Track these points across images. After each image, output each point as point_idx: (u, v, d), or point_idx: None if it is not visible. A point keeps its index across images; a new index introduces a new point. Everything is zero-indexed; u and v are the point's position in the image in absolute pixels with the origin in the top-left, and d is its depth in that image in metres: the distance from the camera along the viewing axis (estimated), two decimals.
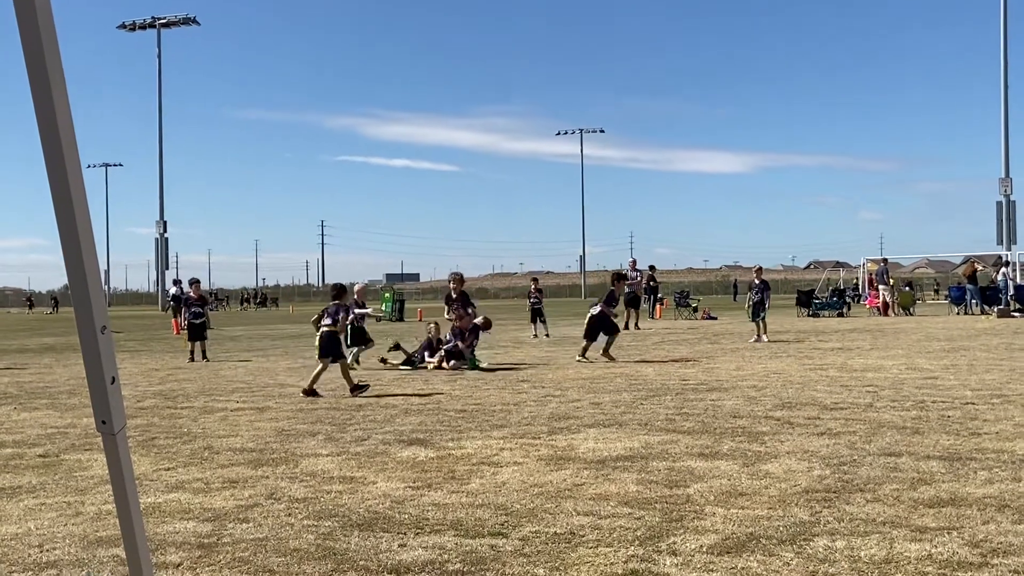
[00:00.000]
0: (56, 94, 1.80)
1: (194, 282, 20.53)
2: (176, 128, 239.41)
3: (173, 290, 40.42)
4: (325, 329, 12.62)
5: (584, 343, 17.03)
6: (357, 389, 12.12)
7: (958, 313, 35.27)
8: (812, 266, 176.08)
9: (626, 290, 29.32)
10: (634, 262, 29.82)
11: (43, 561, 4.88)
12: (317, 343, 12.66)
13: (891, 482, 6.24)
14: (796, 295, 38.12)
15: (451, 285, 17.50)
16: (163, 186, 77.38)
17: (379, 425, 9.46)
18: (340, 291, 13.14)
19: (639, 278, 29.20)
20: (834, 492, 6.00)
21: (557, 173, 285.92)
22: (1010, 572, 4.35)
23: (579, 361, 16.34)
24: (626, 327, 28.05)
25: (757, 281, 22.12)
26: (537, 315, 25.94)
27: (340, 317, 12.68)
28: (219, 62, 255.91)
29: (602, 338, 16.92)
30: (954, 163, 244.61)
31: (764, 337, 20.98)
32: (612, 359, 16.46)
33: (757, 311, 21.63)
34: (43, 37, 1.75)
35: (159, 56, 76.40)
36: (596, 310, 17.17)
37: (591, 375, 14.17)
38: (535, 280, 28.31)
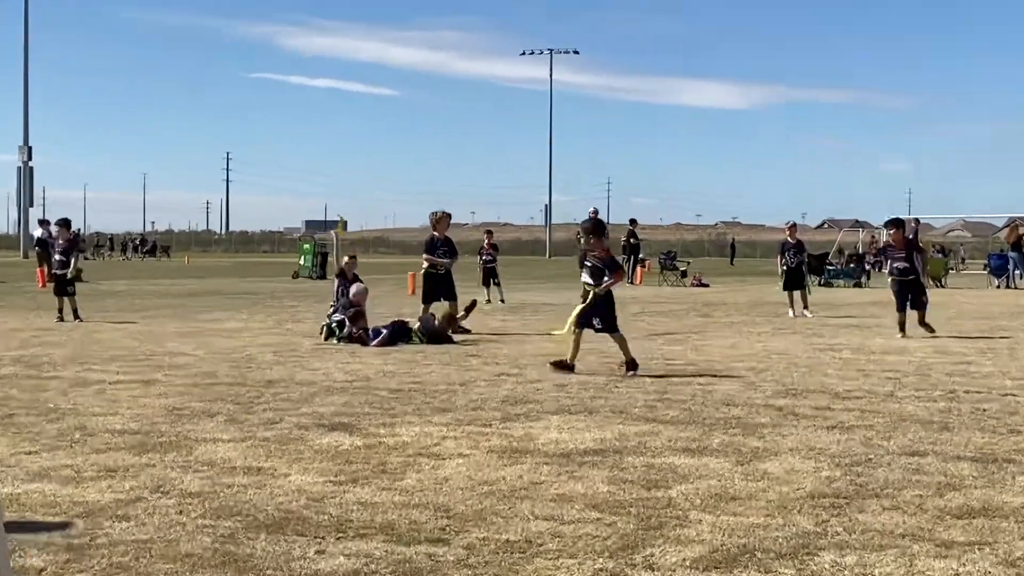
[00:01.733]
0: None
1: (62, 223, 20.24)
2: (47, 33, 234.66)
3: (38, 232, 39.83)
4: (608, 283, 11.59)
5: (899, 316, 16.48)
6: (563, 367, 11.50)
7: (999, 286, 35.88)
8: (826, 225, 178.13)
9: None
10: (595, 212, 29.31)
11: None
12: (583, 305, 11.69)
13: (913, 487, 6.36)
14: (806, 260, 38.50)
15: (435, 228, 16.87)
16: (28, 103, 76.01)
17: (294, 405, 9.42)
18: (599, 227, 12.04)
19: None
20: (845, 498, 6.10)
21: (519, 103, 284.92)
22: None
23: (900, 338, 15.89)
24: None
25: (791, 241, 22.15)
26: (490, 276, 25.97)
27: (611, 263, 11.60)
28: None
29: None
30: (1003, 102, 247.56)
31: (806, 312, 21.06)
32: (931, 330, 16.31)
33: (796, 279, 21.66)
34: None
35: None
36: (899, 268, 16.61)
37: (555, 351, 14.22)
38: (489, 233, 28.30)
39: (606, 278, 11.76)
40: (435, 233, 17.07)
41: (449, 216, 17.34)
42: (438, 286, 16.80)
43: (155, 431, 8.12)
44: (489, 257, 26.50)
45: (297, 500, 6.00)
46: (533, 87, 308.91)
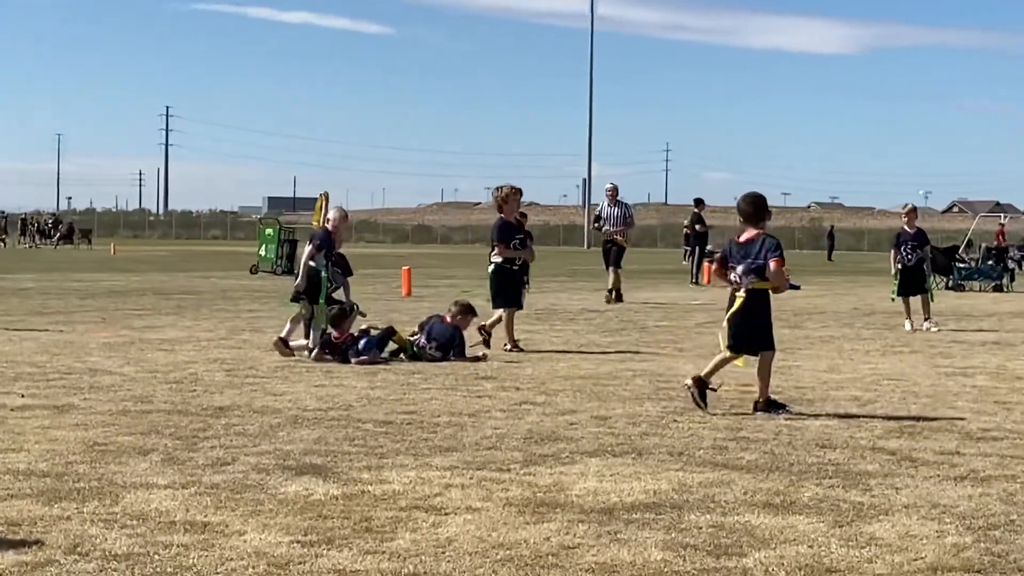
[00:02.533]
0: None
1: None
2: None
3: None
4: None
5: None
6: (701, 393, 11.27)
7: None
8: (956, 209, 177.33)
9: (603, 237, 28.34)
10: (613, 190, 28.53)
11: None
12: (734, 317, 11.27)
13: None
14: (929, 255, 38.37)
15: (502, 209, 16.99)
16: None
17: (251, 441, 9.45)
18: (760, 207, 11.45)
19: (623, 218, 28.00)
20: (978, 571, 6.08)
21: (550, 44, 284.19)
22: None
23: None
24: (614, 296, 27.21)
25: (910, 231, 22.02)
26: (522, 274, 25.72)
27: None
28: None
29: None
30: None
31: (928, 324, 20.96)
32: None
33: (915, 280, 21.51)
34: None
35: None
36: None
37: (594, 372, 14.22)
38: (523, 217, 27.76)
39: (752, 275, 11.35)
40: (503, 215, 16.95)
41: (519, 192, 17.23)
42: (513, 285, 16.79)
43: (70, 473, 8.14)
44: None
45: (255, 566, 6.01)
46: (569, 23, 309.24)
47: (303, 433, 9.83)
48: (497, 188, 17.32)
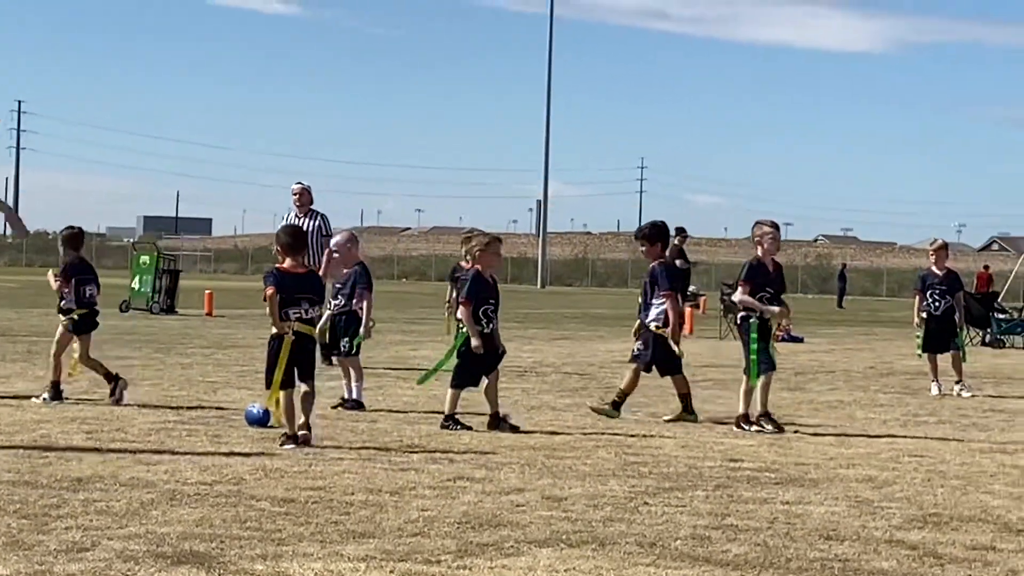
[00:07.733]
0: None
1: None
2: None
3: None
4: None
5: None
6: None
7: None
8: (995, 246, 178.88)
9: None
10: (302, 193, 24.61)
11: None
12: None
13: None
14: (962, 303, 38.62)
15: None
16: None
17: (116, 521, 9.41)
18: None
19: (317, 235, 24.33)
20: None
21: (499, 34, 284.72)
22: None
23: None
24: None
25: (938, 272, 22.13)
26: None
27: None
28: None
29: None
30: None
31: (959, 388, 21.05)
32: None
33: (945, 334, 21.61)
34: None
35: None
36: None
37: (547, 442, 14.21)
38: (468, 241, 26.30)
39: None
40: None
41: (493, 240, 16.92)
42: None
43: None
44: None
45: None
46: (522, 8, 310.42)
47: (182, 512, 9.78)
48: (472, 234, 17.12)
